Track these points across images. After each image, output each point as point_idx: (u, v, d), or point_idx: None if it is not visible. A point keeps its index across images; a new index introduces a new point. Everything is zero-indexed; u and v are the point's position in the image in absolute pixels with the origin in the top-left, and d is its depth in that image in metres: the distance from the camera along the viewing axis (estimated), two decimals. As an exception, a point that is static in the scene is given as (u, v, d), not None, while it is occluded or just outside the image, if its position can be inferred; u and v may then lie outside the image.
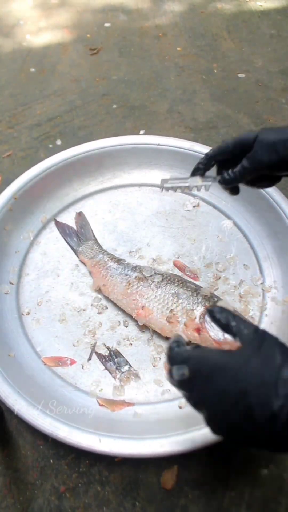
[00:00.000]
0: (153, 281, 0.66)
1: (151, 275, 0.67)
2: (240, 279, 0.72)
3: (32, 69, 1.17)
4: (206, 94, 1.08)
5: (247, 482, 0.55)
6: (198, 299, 0.63)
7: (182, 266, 0.73)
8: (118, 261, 0.72)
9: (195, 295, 0.64)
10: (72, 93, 1.10)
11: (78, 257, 0.75)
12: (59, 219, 0.80)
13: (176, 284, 0.65)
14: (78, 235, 0.78)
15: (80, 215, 0.80)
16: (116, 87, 1.11)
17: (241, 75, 1.13)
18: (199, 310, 0.62)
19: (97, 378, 0.62)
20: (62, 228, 0.79)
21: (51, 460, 0.57)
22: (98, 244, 0.76)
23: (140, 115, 1.03)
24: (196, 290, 0.65)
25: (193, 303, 0.63)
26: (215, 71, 1.15)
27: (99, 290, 0.71)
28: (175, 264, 0.74)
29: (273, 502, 0.53)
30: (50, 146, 0.97)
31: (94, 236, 0.78)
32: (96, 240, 0.77)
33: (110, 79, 1.14)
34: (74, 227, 0.79)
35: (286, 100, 1.05)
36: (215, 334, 0.59)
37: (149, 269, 0.68)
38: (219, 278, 0.72)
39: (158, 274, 0.68)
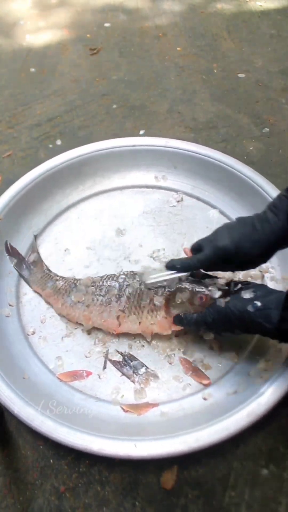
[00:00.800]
0: (110, 294, 0.64)
1: (104, 290, 0.65)
2: None
3: (32, 69, 1.17)
4: (206, 94, 1.08)
5: (247, 482, 0.55)
6: (147, 292, 0.63)
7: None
8: (71, 284, 0.68)
9: (142, 290, 0.63)
10: (72, 93, 1.10)
11: (32, 288, 0.72)
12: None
13: (131, 287, 0.64)
14: (29, 264, 0.74)
15: (35, 239, 0.78)
16: (116, 87, 1.11)
17: (241, 75, 1.13)
18: (160, 300, 0.62)
19: (116, 385, 0.62)
20: (14, 256, 0.74)
21: (51, 460, 0.57)
22: (48, 270, 0.72)
23: (140, 115, 1.03)
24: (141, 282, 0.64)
25: (147, 297, 0.62)
26: (215, 71, 1.15)
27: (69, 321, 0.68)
28: (185, 252, 0.74)
29: (273, 502, 0.53)
30: (50, 146, 0.97)
31: (41, 261, 0.74)
32: (44, 266, 0.73)
33: (110, 79, 1.14)
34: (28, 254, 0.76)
35: (286, 100, 1.05)
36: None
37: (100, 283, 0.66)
38: None
39: (110, 283, 0.65)
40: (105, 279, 0.66)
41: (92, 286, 0.66)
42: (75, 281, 0.68)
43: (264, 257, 0.57)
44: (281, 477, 0.55)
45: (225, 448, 0.56)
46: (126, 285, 0.64)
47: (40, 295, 0.71)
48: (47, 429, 0.53)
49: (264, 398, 0.54)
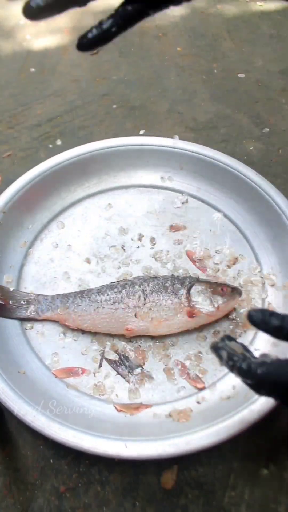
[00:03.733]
0: (130, 291, 0.65)
1: (117, 287, 0.66)
2: (238, 270, 0.72)
3: (32, 69, 1.17)
4: (206, 94, 1.08)
5: (247, 482, 0.55)
6: (174, 286, 0.64)
7: (192, 258, 0.74)
8: (80, 294, 0.66)
9: (170, 283, 0.65)
10: (72, 93, 1.10)
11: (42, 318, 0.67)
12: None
13: (151, 283, 0.65)
14: (14, 307, 0.67)
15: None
16: (116, 87, 1.11)
17: (241, 75, 1.13)
18: (183, 294, 0.63)
19: (111, 384, 0.62)
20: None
21: (51, 460, 0.57)
22: (43, 295, 0.68)
23: (140, 115, 1.03)
24: (167, 278, 0.66)
25: (173, 292, 0.64)
26: (215, 71, 1.15)
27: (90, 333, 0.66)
28: (188, 255, 0.74)
29: (273, 502, 0.54)
30: (50, 146, 0.97)
31: (31, 292, 0.70)
32: (37, 294, 0.69)
33: (110, 79, 1.14)
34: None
35: (286, 100, 1.05)
36: (207, 309, 0.62)
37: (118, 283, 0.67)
38: (218, 270, 0.72)
39: (130, 282, 0.67)
40: (115, 283, 0.67)
41: (98, 292, 0.66)
42: (82, 292, 0.67)
43: None
44: (281, 477, 0.55)
45: (225, 448, 0.56)
46: (141, 283, 0.65)
47: (60, 323, 0.67)
48: (40, 424, 0.53)
49: (257, 405, 0.53)
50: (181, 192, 0.83)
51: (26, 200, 0.78)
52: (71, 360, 0.64)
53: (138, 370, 0.62)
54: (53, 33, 1.29)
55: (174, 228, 0.78)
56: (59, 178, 0.81)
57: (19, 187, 0.77)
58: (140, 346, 0.65)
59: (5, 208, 0.75)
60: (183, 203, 0.82)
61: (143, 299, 0.64)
